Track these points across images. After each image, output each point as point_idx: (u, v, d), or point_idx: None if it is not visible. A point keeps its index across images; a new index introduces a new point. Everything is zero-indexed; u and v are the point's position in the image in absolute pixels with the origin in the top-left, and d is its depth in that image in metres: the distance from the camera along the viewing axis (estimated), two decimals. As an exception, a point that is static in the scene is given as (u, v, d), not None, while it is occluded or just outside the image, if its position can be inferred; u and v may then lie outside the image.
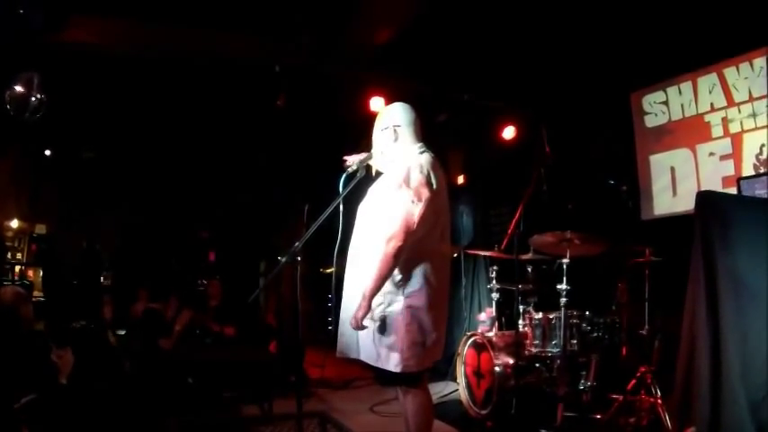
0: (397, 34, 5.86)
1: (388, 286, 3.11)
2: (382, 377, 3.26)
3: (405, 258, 3.09)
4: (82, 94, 6.69)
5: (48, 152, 8.63)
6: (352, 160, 3.47)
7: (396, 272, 3.10)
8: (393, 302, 3.11)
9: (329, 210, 3.36)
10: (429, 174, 3.17)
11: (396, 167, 3.29)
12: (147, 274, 8.73)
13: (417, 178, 3.13)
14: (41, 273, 8.82)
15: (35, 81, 5.57)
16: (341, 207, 3.36)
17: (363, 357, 3.19)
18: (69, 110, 6.89)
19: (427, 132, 3.53)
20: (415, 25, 5.68)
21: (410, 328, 3.09)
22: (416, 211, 3.08)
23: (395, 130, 3.39)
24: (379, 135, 3.44)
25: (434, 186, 3.16)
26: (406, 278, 3.13)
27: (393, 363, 3.07)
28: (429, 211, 3.12)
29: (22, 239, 8.82)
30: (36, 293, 8.20)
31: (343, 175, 3.38)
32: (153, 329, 6.41)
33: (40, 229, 9.10)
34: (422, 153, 3.31)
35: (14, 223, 8.55)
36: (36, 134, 7.42)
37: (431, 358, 3.22)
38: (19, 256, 8.74)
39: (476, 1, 5.39)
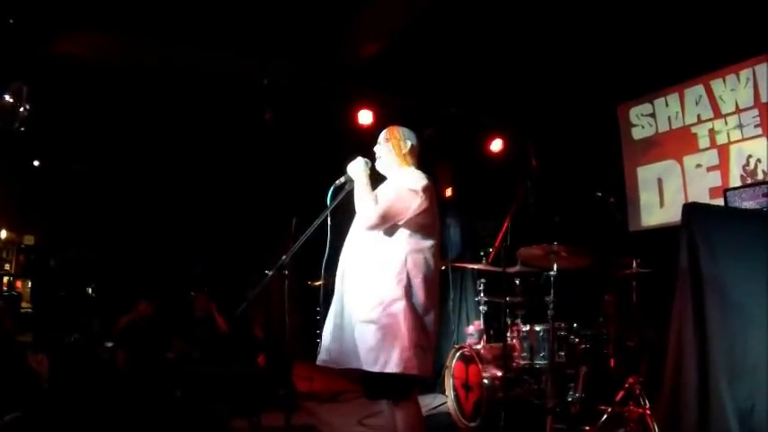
0: (385, 49, 5.88)
1: (388, 287, 3.13)
2: (375, 388, 3.26)
3: (411, 259, 3.18)
4: (71, 106, 6.66)
5: (36, 163, 8.59)
6: None
7: (399, 271, 3.16)
8: (395, 303, 3.11)
9: (317, 222, 3.36)
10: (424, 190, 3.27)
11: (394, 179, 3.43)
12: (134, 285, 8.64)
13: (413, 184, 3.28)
14: (29, 284, 8.75)
15: (24, 92, 5.56)
16: (329, 220, 3.37)
17: (357, 364, 3.15)
18: (59, 121, 6.87)
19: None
20: (402, 40, 5.70)
21: (412, 328, 3.10)
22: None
23: (404, 144, 3.54)
24: (384, 145, 3.56)
25: (426, 198, 3.25)
26: (410, 279, 3.17)
27: (394, 363, 3.03)
28: (427, 214, 3.25)
29: (10, 250, 8.75)
30: (24, 305, 8.14)
31: (331, 188, 3.39)
32: (136, 343, 6.36)
33: (29, 240, 9.03)
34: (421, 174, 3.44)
35: (2, 234, 8.49)
36: (25, 145, 7.39)
37: (428, 365, 3.20)
38: (7, 267, 8.68)
39: (463, 16, 5.41)
